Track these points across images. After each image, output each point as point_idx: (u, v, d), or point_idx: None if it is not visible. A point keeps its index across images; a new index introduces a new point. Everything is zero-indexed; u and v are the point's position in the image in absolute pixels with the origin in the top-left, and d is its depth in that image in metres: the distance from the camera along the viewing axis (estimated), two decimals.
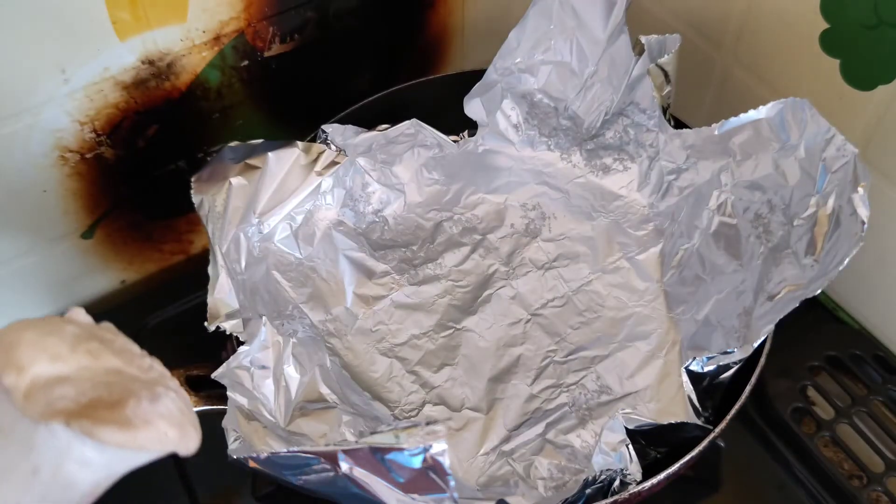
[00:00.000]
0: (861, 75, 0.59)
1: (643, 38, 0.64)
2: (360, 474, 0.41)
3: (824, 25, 0.60)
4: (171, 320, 0.72)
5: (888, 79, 0.57)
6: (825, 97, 0.60)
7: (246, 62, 0.68)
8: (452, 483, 0.38)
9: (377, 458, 0.39)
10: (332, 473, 0.43)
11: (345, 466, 0.41)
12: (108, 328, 0.27)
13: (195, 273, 0.61)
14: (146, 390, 0.25)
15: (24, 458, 0.23)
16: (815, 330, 0.69)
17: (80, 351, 0.24)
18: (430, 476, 0.39)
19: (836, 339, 0.68)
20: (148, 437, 0.23)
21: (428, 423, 0.36)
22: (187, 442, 0.25)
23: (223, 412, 0.52)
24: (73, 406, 0.23)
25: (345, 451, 0.41)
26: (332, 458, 0.41)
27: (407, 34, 0.78)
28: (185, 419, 0.25)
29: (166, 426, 0.24)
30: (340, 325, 0.67)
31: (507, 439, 0.61)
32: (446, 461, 0.38)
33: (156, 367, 0.27)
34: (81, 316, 0.27)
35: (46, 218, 0.65)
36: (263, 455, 0.45)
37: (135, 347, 0.27)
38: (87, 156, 0.64)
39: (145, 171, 0.69)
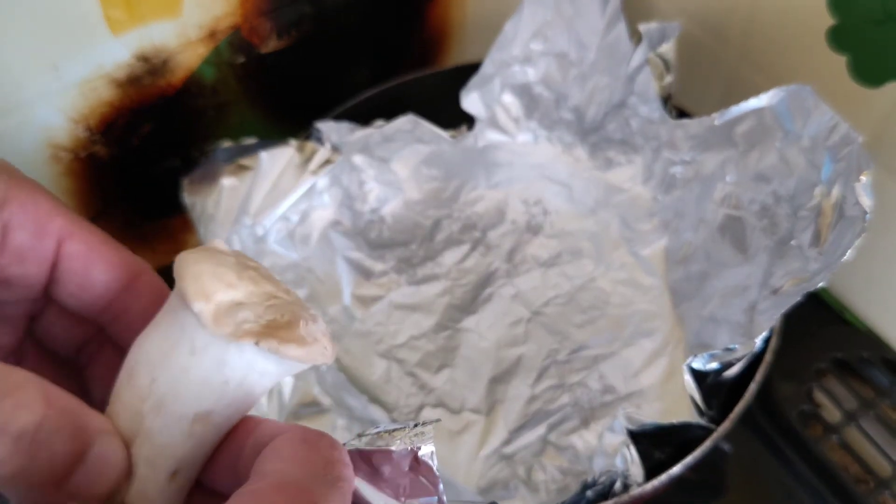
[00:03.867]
0: (870, 71, 0.58)
1: (642, 27, 0.63)
2: None
3: (831, 21, 0.59)
4: None
5: None
6: (833, 94, 0.59)
7: (242, 58, 0.67)
8: (441, 486, 0.37)
9: (365, 461, 0.39)
10: None
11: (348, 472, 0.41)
12: (245, 254, 0.31)
13: None
14: (305, 312, 0.29)
15: (218, 372, 0.27)
16: (822, 332, 0.67)
17: (245, 278, 0.29)
18: (419, 479, 0.38)
19: (843, 341, 0.66)
20: (317, 352, 0.28)
21: (416, 425, 0.35)
22: (333, 354, 0.30)
23: None
24: (257, 328, 0.27)
25: None
26: None
27: (406, 29, 0.77)
28: (330, 335, 0.30)
29: (326, 342, 0.29)
30: (338, 326, 0.66)
31: (507, 441, 0.60)
32: (435, 463, 0.37)
33: (291, 291, 0.31)
34: (223, 246, 0.31)
35: None
36: None
37: (270, 272, 0.31)
38: (81, 154, 0.63)
39: (140, 170, 0.68)
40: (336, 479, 0.26)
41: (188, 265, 0.28)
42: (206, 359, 0.27)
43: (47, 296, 0.32)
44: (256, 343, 0.26)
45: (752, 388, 0.52)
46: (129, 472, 0.27)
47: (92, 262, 0.31)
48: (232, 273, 0.28)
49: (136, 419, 0.27)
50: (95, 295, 0.31)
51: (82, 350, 0.34)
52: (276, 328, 0.27)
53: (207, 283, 0.27)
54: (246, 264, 0.30)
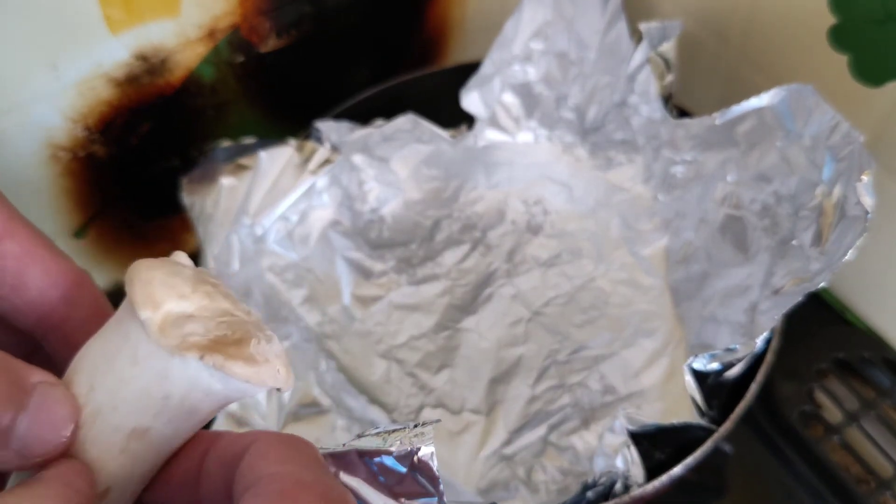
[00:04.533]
0: (870, 71, 0.58)
1: (642, 26, 0.63)
2: (347, 479, 0.40)
3: (832, 20, 0.59)
4: None
5: None
6: (834, 93, 0.59)
7: (241, 58, 0.67)
8: (441, 487, 0.37)
9: (364, 462, 0.38)
10: None
11: (331, 471, 0.40)
12: (207, 272, 0.30)
13: None
14: (260, 332, 0.28)
15: (159, 386, 0.26)
16: (823, 332, 0.67)
17: (200, 292, 0.27)
18: (418, 479, 0.38)
19: (844, 341, 0.66)
20: (267, 374, 0.26)
21: (416, 426, 0.35)
22: (288, 379, 0.28)
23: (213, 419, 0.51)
24: (204, 342, 0.25)
25: (331, 455, 0.40)
26: None
27: (406, 28, 0.77)
28: (287, 360, 0.28)
29: (279, 364, 0.27)
30: (338, 326, 0.66)
31: (508, 442, 0.60)
32: (434, 463, 0.37)
33: (252, 312, 0.29)
34: (185, 259, 0.30)
35: (38, 217, 0.63)
36: None
37: (231, 292, 0.29)
38: (79, 154, 0.63)
39: (139, 170, 0.68)
40: (334, 475, 0.26)
41: (140, 271, 0.26)
42: (148, 370, 0.26)
43: None
44: (201, 358, 0.25)
45: (753, 388, 0.52)
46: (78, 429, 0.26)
47: (27, 265, 0.29)
48: (186, 284, 0.27)
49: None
50: (29, 300, 0.29)
51: None
52: (224, 344, 0.26)
53: (157, 291, 0.26)
54: (204, 279, 0.28)
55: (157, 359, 0.25)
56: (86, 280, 0.31)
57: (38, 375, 0.25)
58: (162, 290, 0.26)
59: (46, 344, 0.30)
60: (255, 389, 0.27)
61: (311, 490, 0.23)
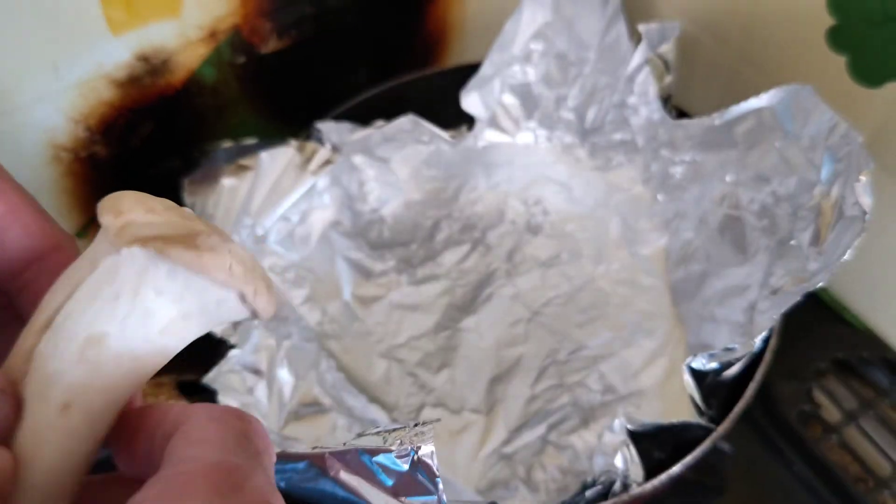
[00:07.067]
0: (869, 72, 0.58)
1: (641, 27, 0.63)
2: (348, 477, 0.40)
3: (831, 21, 0.59)
4: None
5: None
6: (833, 94, 0.60)
7: (242, 59, 0.67)
8: (441, 485, 0.37)
9: (364, 461, 0.39)
10: (319, 477, 0.42)
11: (332, 469, 0.41)
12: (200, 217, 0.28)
13: None
14: (220, 236, 0.26)
15: (108, 284, 0.24)
16: (822, 332, 0.67)
17: (173, 212, 0.26)
18: (418, 478, 0.38)
19: (842, 341, 0.66)
20: (213, 263, 0.25)
21: (416, 425, 0.35)
22: (256, 291, 0.26)
23: None
24: (149, 235, 0.24)
25: (332, 454, 0.40)
26: (318, 461, 0.41)
27: (406, 29, 0.77)
28: (254, 272, 0.26)
29: (232, 260, 0.25)
30: (338, 326, 0.67)
31: (507, 441, 0.60)
32: (434, 462, 0.37)
33: (231, 239, 0.27)
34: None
35: None
36: None
37: (217, 227, 0.28)
38: (81, 154, 0.63)
39: (140, 170, 0.68)
40: (255, 453, 0.24)
41: (118, 192, 0.26)
42: (100, 271, 0.25)
43: None
44: (142, 246, 0.24)
45: (752, 387, 0.52)
46: (18, 410, 0.25)
47: (9, 223, 0.29)
48: (159, 205, 0.26)
49: (30, 351, 0.25)
50: (6, 257, 0.29)
51: None
52: (172, 238, 0.25)
53: (124, 203, 0.25)
54: (184, 212, 0.27)
55: (109, 259, 0.25)
56: (67, 244, 0.31)
57: None
58: (130, 203, 0.25)
59: (17, 301, 0.30)
60: (217, 292, 0.26)
61: (207, 477, 0.22)
